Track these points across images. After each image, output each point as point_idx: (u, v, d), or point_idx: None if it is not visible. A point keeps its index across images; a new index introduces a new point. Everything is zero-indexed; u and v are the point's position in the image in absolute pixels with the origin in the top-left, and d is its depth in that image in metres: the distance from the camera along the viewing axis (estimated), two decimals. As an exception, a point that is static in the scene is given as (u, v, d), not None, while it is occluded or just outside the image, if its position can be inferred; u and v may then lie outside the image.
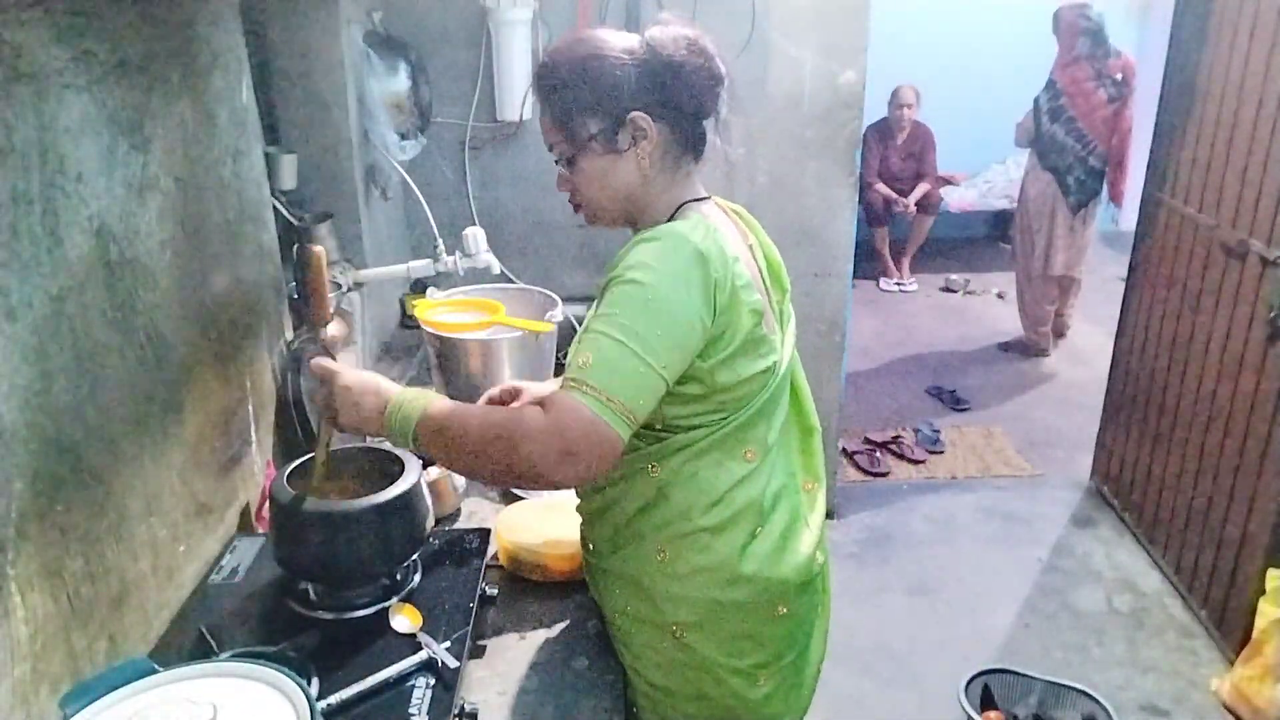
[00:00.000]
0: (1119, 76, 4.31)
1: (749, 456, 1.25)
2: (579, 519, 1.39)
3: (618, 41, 1.20)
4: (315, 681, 1.15)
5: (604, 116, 1.19)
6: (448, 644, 1.23)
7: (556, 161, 1.26)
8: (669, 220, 1.23)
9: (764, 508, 1.26)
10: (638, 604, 1.28)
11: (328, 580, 1.32)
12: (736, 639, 1.28)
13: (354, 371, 1.24)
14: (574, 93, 1.19)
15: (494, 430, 1.09)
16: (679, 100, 1.20)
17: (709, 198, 1.29)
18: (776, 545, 1.27)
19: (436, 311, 1.91)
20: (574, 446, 1.05)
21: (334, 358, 1.91)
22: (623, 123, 1.19)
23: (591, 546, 1.34)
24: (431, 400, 1.17)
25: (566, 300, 2.09)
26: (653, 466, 1.22)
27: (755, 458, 1.25)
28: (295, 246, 1.84)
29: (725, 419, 1.22)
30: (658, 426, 1.22)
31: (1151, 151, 3.21)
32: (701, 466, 1.22)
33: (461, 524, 1.69)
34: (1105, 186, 4.48)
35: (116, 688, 0.94)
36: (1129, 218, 4.81)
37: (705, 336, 1.14)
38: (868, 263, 5.81)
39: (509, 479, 1.15)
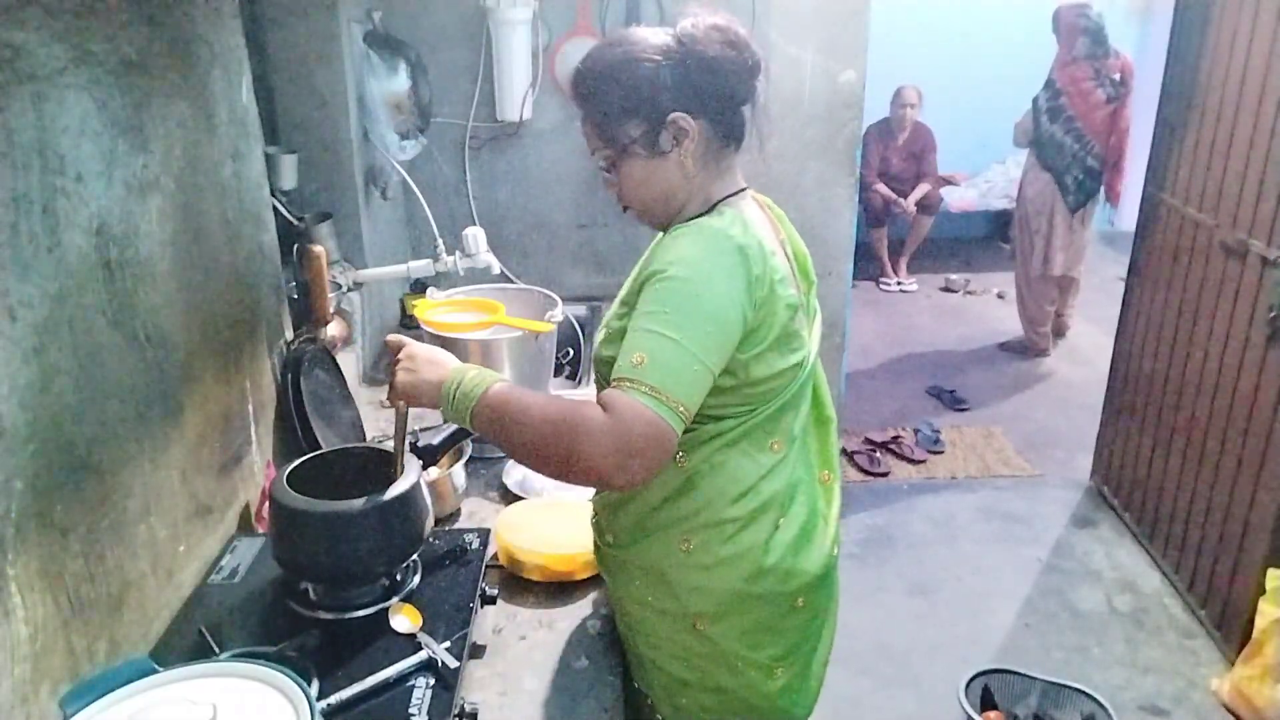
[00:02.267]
0: (1117, 76, 4.31)
1: (775, 448, 1.25)
2: (585, 513, 1.39)
3: (651, 41, 1.19)
4: (315, 681, 1.15)
5: (644, 120, 1.18)
6: (448, 644, 1.23)
7: (601, 167, 1.25)
8: (708, 212, 1.22)
9: (786, 499, 1.27)
10: (658, 594, 1.28)
11: (328, 580, 1.32)
12: (756, 631, 1.28)
13: (424, 345, 1.26)
14: (611, 98, 1.19)
15: (554, 424, 1.08)
16: (717, 96, 1.19)
17: (746, 189, 1.29)
18: (797, 537, 1.27)
19: (436, 311, 1.91)
20: (636, 448, 1.04)
21: (334, 358, 1.92)
22: (663, 124, 1.18)
23: (610, 537, 1.33)
24: (493, 380, 1.16)
25: (566, 300, 2.09)
26: (680, 456, 1.22)
27: (782, 449, 1.26)
28: (295, 246, 1.84)
29: (754, 410, 1.22)
30: None
31: (1151, 151, 3.21)
32: (730, 457, 1.23)
33: (461, 524, 1.69)
34: (1102, 187, 4.48)
35: (116, 688, 0.94)
36: (1128, 218, 4.83)
37: (745, 330, 1.15)
38: (868, 263, 5.81)
39: (563, 475, 1.13)
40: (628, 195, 1.25)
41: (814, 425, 1.36)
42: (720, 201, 1.24)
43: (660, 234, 1.34)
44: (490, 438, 1.18)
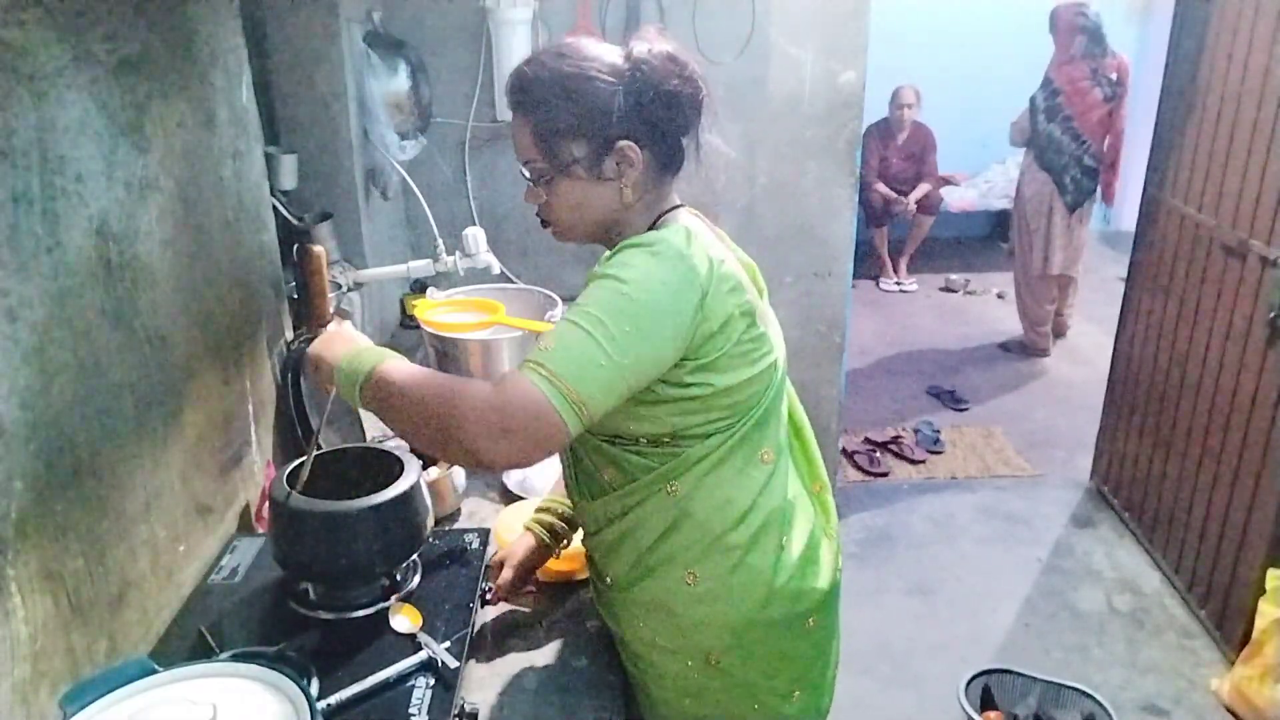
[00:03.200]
0: (1114, 76, 4.31)
1: (766, 459, 1.22)
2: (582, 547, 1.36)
3: (605, 59, 1.14)
4: (315, 681, 1.15)
5: (589, 142, 1.14)
6: (448, 644, 1.22)
7: (529, 178, 1.19)
8: (649, 229, 1.19)
9: (786, 515, 1.24)
10: (667, 633, 1.24)
11: (328, 580, 1.32)
12: (772, 658, 1.26)
13: (350, 327, 1.23)
14: (559, 113, 1.13)
15: (435, 397, 1.04)
16: (666, 127, 1.16)
17: (682, 205, 1.25)
18: (804, 555, 1.25)
19: (436, 311, 1.91)
20: (513, 425, 1.00)
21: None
22: (609, 149, 1.14)
23: (609, 580, 1.28)
24: (388, 358, 1.12)
25: (566, 300, 2.08)
26: (671, 485, 1.18)
27: (772, 459, 1.23)
28: (295, 246, 1.84)
29: (738, 421, 1.19)
30: (667, 441, 1.17)
31: (1151, 151, 3.21)
32: (723, 476, 1.19)
33: (461, 524, 1.69)
34: (1099, 186, 4.49)
35: (116, 688, 0.94)
36: (1127, 218, 4.83)
37: (685, 341, 1.09)
38: (868, 263, 5.82)
39: (444, 451, 1.09)
40: (556, 213, 1.20)
41: (793, 438, 1.33)
42: (662, 216, 1.21)
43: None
44: (377, 414, 1.13)
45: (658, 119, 1.15)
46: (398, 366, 1.11)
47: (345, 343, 1.19)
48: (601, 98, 1.13)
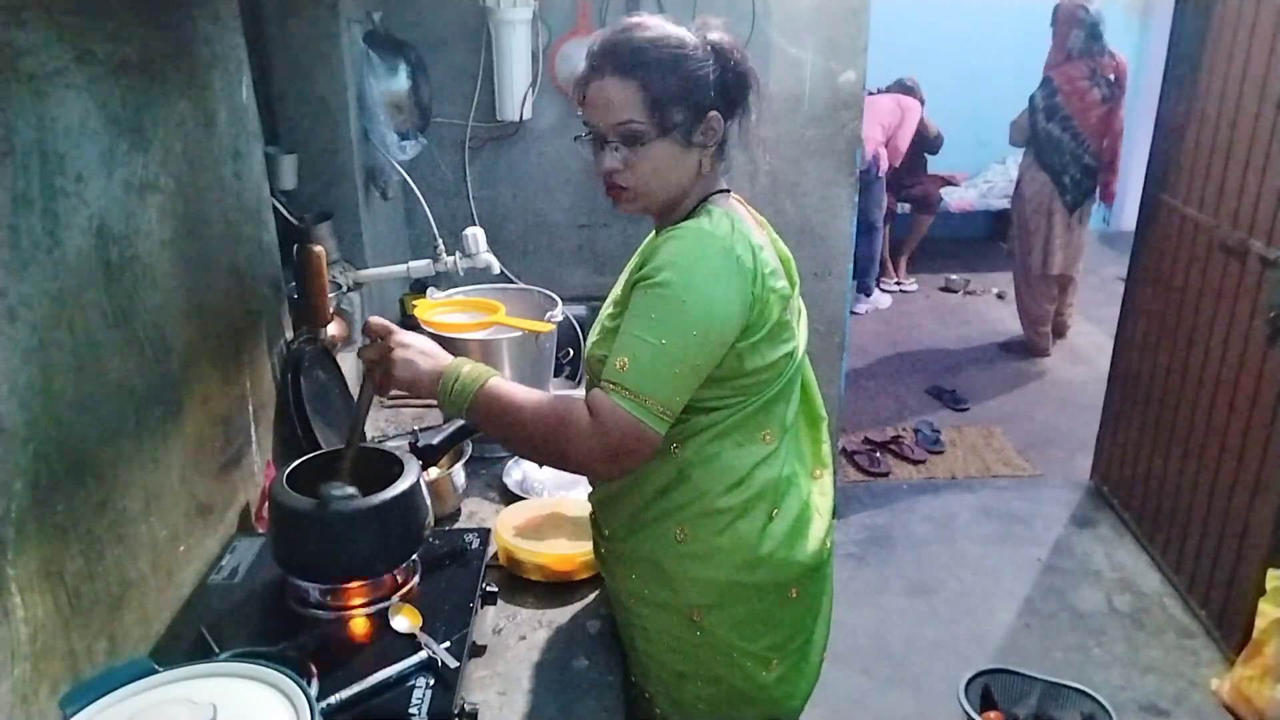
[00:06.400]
0: (1112, 77, 4.31)
1: (767, 439, 1.28)
2: (583, 513, 1.40)
3: (687, 35, 1.22)
4: (315, 681, 1.15)
5: (689, 109, 1.20)
6: (448, 644, 1.23)
7: (620, 141, 1.20)
8: (694, 211, 1.25)
9: (780, 490, 1.28)
10: (655, 587, 1.29)
11: (328, 580, 1.32)
12: (751, 621, 1.30)
13: (410, 333, 1.29)
14: (670, 80, 1.19)
15: (546, 424, 1.17)
16: (739, 104, 1.25)
17: (728, 189, 1.31)
18: (791, 528, 1.29)
19: (436, 311, 1.91)
20: (617, 448, 1.14)
21: (334, 358, 1.92)
22: (701, 119, 1.21)
23: (607, 531, 1.35)
24: (488, 376, 1.22)
25: (566, 300, 2.09)
26: (675, 447, 1.24)
27: (773, 440, 1.28)
28: (295, 246, 1.84)
29: (745, 402, 1.25)
30: None
31: (1151, 151, 3.21)
32: (724, 447, 1.25)
33: (461, 524, 1.69)
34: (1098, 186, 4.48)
35: (116, 688, 0.94)
36: (1127, 218, 4.83)
37: (741, 325, 1.18)
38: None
39: (555, 467, 1.26)
40: (638, 176, 1.22)
41: (806, 424, 1.38)
42: (707, 199, 1.26)
43: (651, 234, 1.36)
44: (484, 430, 1.26)
45: (735, 94, 1.24)
46: (500, 387, 1.21)
47: (430, 358, 1.25)
48: (699, 69, 1.20)
